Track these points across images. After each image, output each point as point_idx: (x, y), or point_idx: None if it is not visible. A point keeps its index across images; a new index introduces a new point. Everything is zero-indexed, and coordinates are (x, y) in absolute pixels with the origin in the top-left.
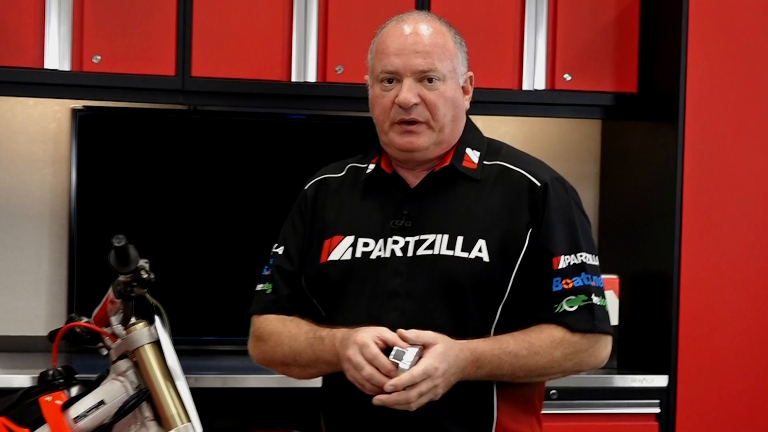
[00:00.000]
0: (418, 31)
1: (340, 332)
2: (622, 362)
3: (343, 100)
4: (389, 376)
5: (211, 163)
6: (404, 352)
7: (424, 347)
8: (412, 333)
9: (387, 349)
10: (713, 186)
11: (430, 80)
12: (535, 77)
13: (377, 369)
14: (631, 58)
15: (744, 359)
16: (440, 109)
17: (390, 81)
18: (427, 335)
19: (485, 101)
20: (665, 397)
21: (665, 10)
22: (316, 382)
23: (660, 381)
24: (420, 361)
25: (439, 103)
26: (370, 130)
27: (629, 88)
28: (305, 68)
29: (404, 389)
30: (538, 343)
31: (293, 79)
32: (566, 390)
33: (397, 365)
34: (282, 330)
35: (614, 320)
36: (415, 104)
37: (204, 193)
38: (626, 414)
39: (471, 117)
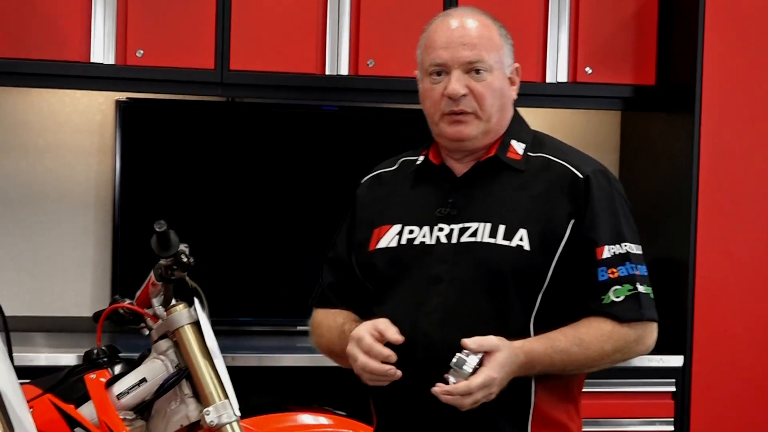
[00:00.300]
0: (465, 25)
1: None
2: None
3: (374, 92)
4: (389, 362)
5: (249, 152)
6: (465, 360)
7: (486, 355)
8: (475, 342)
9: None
10: (729, 175)
11: (478, 71)
12: (557, 70)
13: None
14: (649, 52)
15: (756, 341)
16: (488, 99)
17: (439, 74)
18: (491, 343)
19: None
20: (681, 376)
21: (683, 5)
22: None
23: (676, 361)
24: (480, 371)
25: (486, 93)
26: (399, 121)
27: (648, 80)
28: (338, 62)
29: (460, 396)
30: (588, 339)
31: (327, 72)
32: None
33: (450, 370)
34: (323, 322)
35: None
36: (464, 95)
37: (241, 181)
38: (644, 392)
39: None
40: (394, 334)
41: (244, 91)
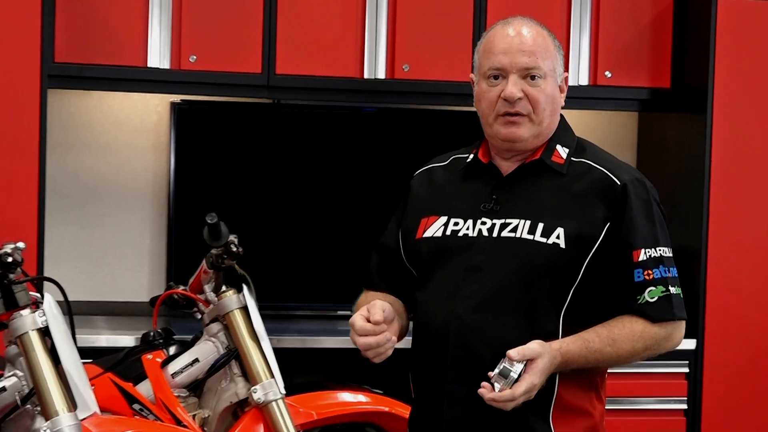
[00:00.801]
0: (523, 33)
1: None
2: None
3: (409, 94)
4: (378, 328)
5: (293, 150)
6: (511, 370)
7: (528, 362)
8: (519, 353)
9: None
10: (738, 172)
11: (533, 77)
12: (579, 74)
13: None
14: (664, 57)
15: (765, 325)
16: (541, 104)
17: (496, 77)
18: (534, 351)
19: None
20: (693, 358)
21: (696, 14)
22: (399, 344)
23: (689, 344)
24: (523, 378)
25: (540, 98)
26: (432, 121)
27: (663, 83)
28: (376, 66)
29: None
30: (621, 339)
31: (365, 75)
32: None
33: (497, 378)
34: (364, 304)
35: None
36: (519, 98)
37: (286, 177)
38: (659, 373)
39: None
40: (375, 315)
41: (289, 93)
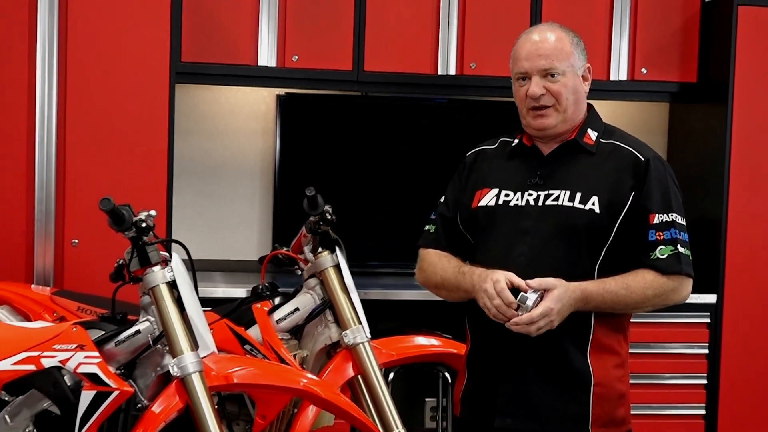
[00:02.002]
0: (541, 40)
1: (477, 270)
2: None
3: (476, 88)
4: (510, 308)
5: (377, 134)
6: (528, 297)
7: (545, 291)
8: (536, 282)
9: (513, 290)
10: (754, 154)
11: (552, 75)
12: (619, 71)
13: (503, 301)
14: (692, 56)
15: None
16: (563, 95)
17: (523, 79)
18: (549, 282)
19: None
20: (714, 310)
21: (719, 20)
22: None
23: (710, 298)
24: (540, 304)
25: (561, 91)
26: (494, 111)
27: (690, 78)
28: (447, 64)
29: (526, 325)
30: (634, 285)
31: (438, 72)
32: None
33: (518, 307)
34: (437, 263)
35: None
36: (542, 95)
37: (371, 156)
38: (684, 323)
39: None
40: (520, 282)
41: (375, 87)
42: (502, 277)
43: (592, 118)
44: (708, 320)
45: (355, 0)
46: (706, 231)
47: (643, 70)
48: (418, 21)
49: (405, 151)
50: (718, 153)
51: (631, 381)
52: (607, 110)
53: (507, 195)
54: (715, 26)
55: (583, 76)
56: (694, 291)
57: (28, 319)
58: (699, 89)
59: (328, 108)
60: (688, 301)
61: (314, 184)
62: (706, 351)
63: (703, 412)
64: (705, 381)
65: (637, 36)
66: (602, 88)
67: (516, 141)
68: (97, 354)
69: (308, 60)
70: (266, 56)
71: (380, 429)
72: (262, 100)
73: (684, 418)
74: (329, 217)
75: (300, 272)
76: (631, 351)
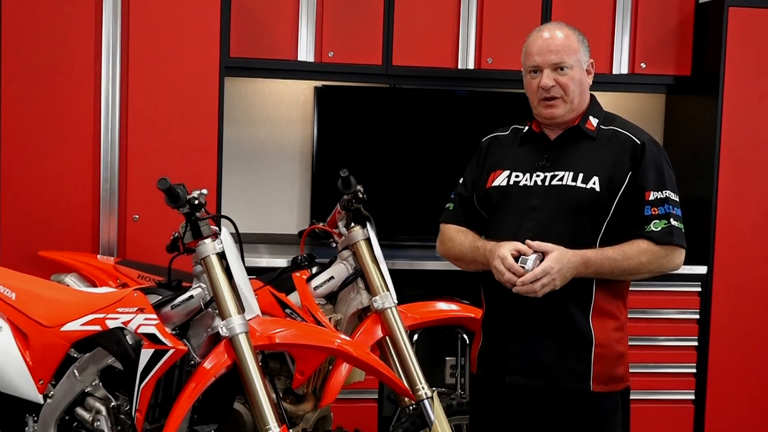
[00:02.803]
0: (551, 36)
1: (489, 245)
2: None
3: (492, 81)
4: (520, 276)
5: (404, 122)
6: (528, 259)
7: (544, 254)
8: (535, 244)
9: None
10: (742, 140)
11: (561, 68)
12: (621, 65)
13: (513, 272)
14: (686, 52)
15: (759, 254)
16: (570, 87)
17: (535, 71)
18: (546, 245)
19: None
20: (704, 279)
21: (711, 20)
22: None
23: (701, 269)
24: (540, 264)
25: (569, 84)
26: (509, 101)
27: (685, 72)
28: (467, 59)
29: (531, 284)
30: (630, 252)
31: (459, 66)
32: None
33: (523, 268)
34: (456, 237)
35: None
36: (552, 86)
37: (399, 141)
38: (678, 290)
39: None
40: (523, 247)
41: (402, 80)
42: (508, 253)
43: (593, 106)
44: (699, 289)
45: (385, 1)
46: (698, 209)
47: (642, 64)
48: (441, 20)
49: (428, 137)
50: (709, 139)
51: (630, 343)
52: (610, 101)
53: (517, 176)
54: (707, 25)
55: (587, 70)
56: (687, 262)
57: (95, 285)
58: (693, 82)
59: (360, 98)
60: (681, 271)
61: (347, 166)
62: (697, 316)
63: (694, 370)
64: (696, 343)
65: (637, 33)
66: (605, 81)
67: (526, 128)
68: (155, 316)
69: (343, 55)
70: (305, 52)
71: (406, 384)
72: (301, 92)
73: (677, 376)
74: (361, 195)
75: (334, 245)
76: (629, 316)
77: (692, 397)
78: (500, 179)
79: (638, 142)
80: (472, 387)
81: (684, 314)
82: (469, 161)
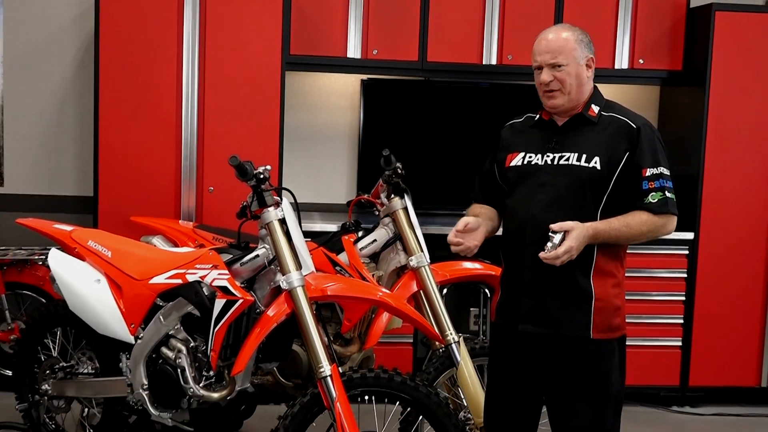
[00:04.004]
0: (550, 39)
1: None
2: None
3: (512, 75)
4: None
5: (437, 110)
6: (554, 238)
7: (566, 232)
8: (558, 226)
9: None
10: (725, 125)
11: (559, 66)
12: (622, 60)
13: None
14: (679, 50)
15: (740, 222)
16: (566, 81)
17: (539, 69)
18: (568, 225)
19: (596, 75)
20: (692, 243)
21: (701, 22)
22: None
23: (689, 235)
24: (563, 243)
25: (565, 78)
26: (527, 93)
27: (677, 67)
28: (490, 56)
29: (553, 259)
30: (632, 222)
31: (483, 62)
32: None
33: (548, 244)
34: (470, 211)
35: None
36: (550, 81)
37: (432, 127)
38: (668, 253)
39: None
40: (457, 226)
41: (435, 74)
42: (453, 230)
43: (595, 96)
44: (687, 252)
45: (420, 7)
46: (688, 183)
47: (640, 60)
48: (469, 21)
49: (456, 123)
50: (697, 124)
51: (627, 298)
52: (612, 92)
53: (530, 157)
54: (697, 27)
55: (586, 65)
56: (677, 229)
57: (177, 246)
58: (684, 76)
59: (400, 90)
60: (671, 237)
61: (388, 147)
62: (685, 275)
63: (681, 321)
64: (684, 297)
65: (636, 33)
66: (608, 74)
67: (537, 116)
68: (227, 272)
69: (385, 53)
70: (353, 50)
71: (436, 330)
72: (349, 84)
73: (667, 326)
74: (400, 171)
75: (377, 213)
76: (626, 275)
77: (680, 344)
78: (517, 159)
79: (634, 126)
80: (492, 334)
81: (674, 273)
82: (492, 146)
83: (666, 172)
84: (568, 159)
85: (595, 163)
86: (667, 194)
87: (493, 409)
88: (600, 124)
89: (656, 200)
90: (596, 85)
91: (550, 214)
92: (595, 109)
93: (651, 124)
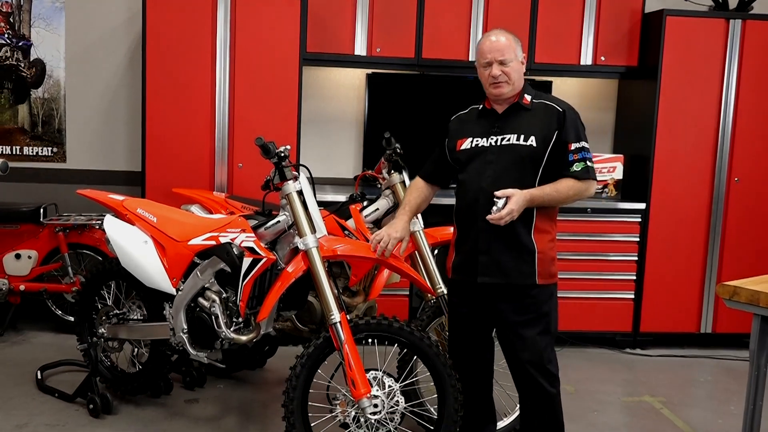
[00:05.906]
0: (496, 40)
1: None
2: (623, 195)
3: None
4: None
5: (431, 100)
6: (497, 203)
7: (508, 198)
8: (501, 192)
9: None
10: (673, 114)
11: (504, 63)
12: (586, 57)
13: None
14: (635, 48)
15: (685, 194)
16: (512, 74)
17: (488, 64)
18: (509, 191)
19: (561, 70)
20: (644, 212)
21: (654, 24)
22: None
23: (641, 206)
24: (505, 206)
25: (510, 72)
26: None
27: (633, 63)
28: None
29: (499, 219)
30: (561, 188)
31: (469, 58)
32: (588, 207)
33: (493, 208)
34: (412, 186)
35: (619, 176)
36: (499, 74)
37: (426, 114)
38: (622, 220)
39: (556, 79)
40: (372, 246)
41: (430, 69)
42: (379, 237)
43: (526, 87)
44: (639, 219)
45: (417, 12)
46: (641, 162)
47: (602, 57)
48: (457, 24)
49: (448, 110)
50: (649, 112)
51: (589, 257)
52: (578, 85)
53: (477, 141)
54: (651, 29)
55: (521, 62)
56: (630, 200)
57: (211, 213)
58: (639, 71)
59: (399, 82)
60: (626, 206)
61: (389, 130)
62: (638, 239)
63: (634, 277)
64: (636, 258)
65: (599, 34)
66: (574, 69)
67: (481, 106)
68: (253, 235)
69: (387, 50)
70: (360, 48)
71: (428, 284)
72: (356, 77)
73: (621, 282)
74: (399, 151)
75: (379, 186)
76: (589, 239)
77: (633, 296)
78: (466, 144)
79: (560, 110)
80: (450, 287)
81: (628, 237)
82: (444, 135)
83: (587, 145)
84: (509, 140)
85: (532, 141)
86: (588, 163)
87: (456, 346)
88: (533, 110)
89: (579, 168)
90: (527, 79)
91: (498, 186)
92: (528, 98)
93: (573, 108)
